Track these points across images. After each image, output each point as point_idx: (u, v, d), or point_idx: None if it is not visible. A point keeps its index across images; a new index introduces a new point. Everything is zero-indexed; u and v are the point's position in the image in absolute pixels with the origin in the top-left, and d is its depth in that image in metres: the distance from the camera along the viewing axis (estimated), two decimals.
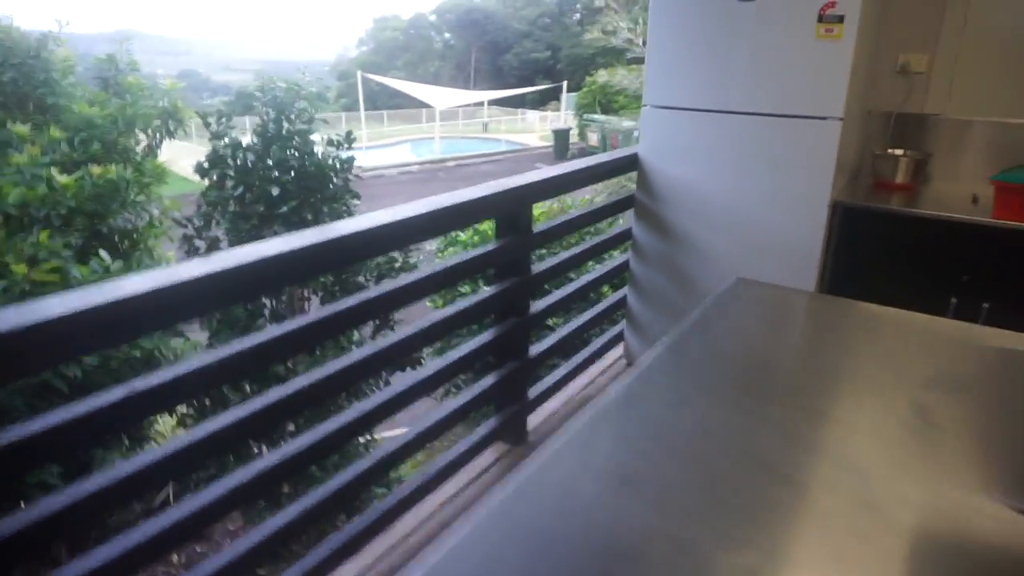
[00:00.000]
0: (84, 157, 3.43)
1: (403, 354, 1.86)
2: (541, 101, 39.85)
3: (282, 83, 4.12)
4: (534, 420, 2.78)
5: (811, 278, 2.76)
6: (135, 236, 3.80)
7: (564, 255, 2.72)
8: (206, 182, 3.74)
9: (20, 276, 2.39)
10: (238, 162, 3.67)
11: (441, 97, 27.93)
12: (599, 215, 2.92)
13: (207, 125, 3.85)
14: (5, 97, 3.44)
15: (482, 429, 2.44)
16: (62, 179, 2.96)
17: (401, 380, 1.96)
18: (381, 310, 1.78)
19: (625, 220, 3.24)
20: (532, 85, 40.37)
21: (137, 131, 3.92)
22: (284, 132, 3.72)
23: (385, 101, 41.89)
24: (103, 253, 2.98)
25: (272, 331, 1.46)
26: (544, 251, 4.40)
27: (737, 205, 2.86)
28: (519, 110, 35.64)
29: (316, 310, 1.59)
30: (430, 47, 57.43)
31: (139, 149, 3.99)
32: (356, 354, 1.69)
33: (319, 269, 2.44)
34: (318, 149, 3.91)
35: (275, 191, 3.53)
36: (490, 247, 2.24)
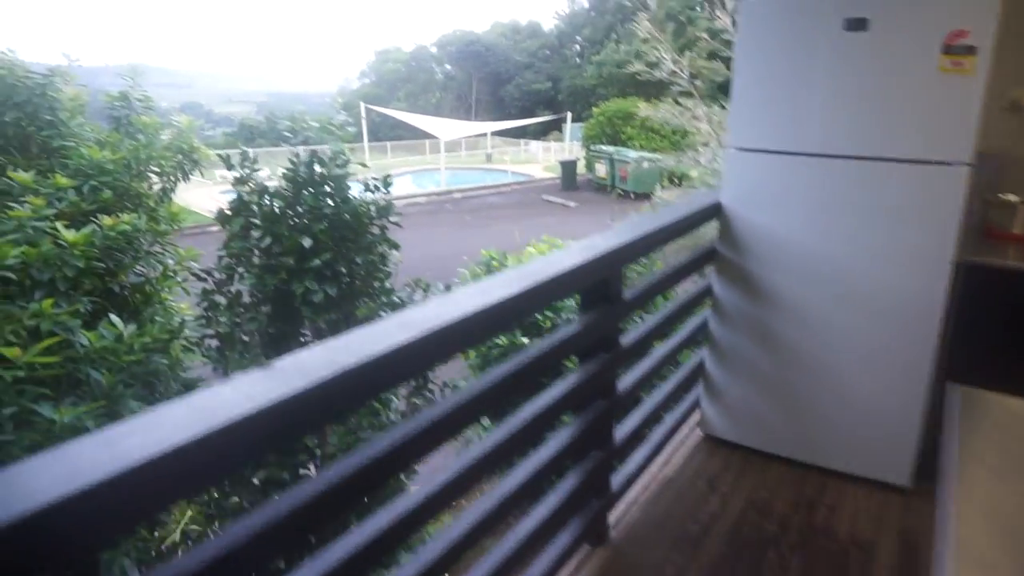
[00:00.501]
0: (94, 206, 3.07)
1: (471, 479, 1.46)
2: (543, 132, 39.89)
3: (315, 121, 3.79)
4: (614, 513, 2.39)
5: (928, 347, 2.40)
6: (148, 289, 3.44)
7: (652, 321, 2.36)
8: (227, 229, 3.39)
9: (14, 360, 2.03)
10: (264, 209, 3.31)
11: (444, 128, 27.84)
12: (685, 272, 2.56)
13: (230, 168, 3.50)
14: (7, 140, 3.10)
15: (564, 538, 2.03)
16: (69, 235, 2.59)
17: (477, 502, 1.56)
18: (448, 428, 1.37)
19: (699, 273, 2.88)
20: (533, 116, 40.48)
21: (151, 174, 3.58)
22: (316, 176, 3.36)
23: (387, 132, 41.90)
24: (114, 318, 2.62)
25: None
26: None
27: (839, 261, 2.50)
28: (522, 141, 35.61)
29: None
30: (431, 79, 57.77)
31: (153, 192, 3.64)
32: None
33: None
34: (353, 194, 3.54)
35: (307, 242, 3.16)
36: (576, 327, 1.87)
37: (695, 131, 5.72)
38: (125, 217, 3.08)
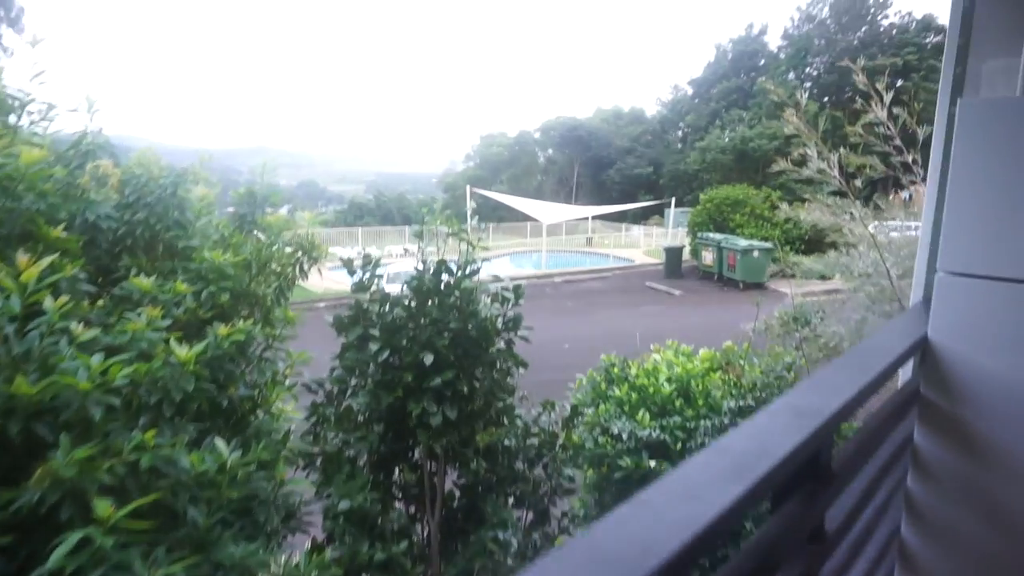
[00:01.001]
0: (210, 313, 2.87)
1: None
2: (644, 216, 39.61)
3: (444, 227, 3.53)
4: None
5: None
6: (256, 398, 3.19)
7: (855, 491, 1.83)
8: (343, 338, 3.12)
9: (104, 520, 1.74)
10: (385, 319, 3.03)
11: (546, 211, 28.00)
12: (890, 424, 2.03)
13: (351, 272, 3.29)
14: (134, 240, 2.98)
15: None
16: (182, 352, 2.35)
17: None
18: None
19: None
20: (634, 200, 40.35)
21: (270, 273, 3.40)
22: (443, 286, 3.07)
23: (489, 213, 42.81)
24: (219, 442, 2.35)
25: None
26: None
27: None
28: (623, 225, 35.36)
29: None
30: (534, 162, 59.22)
31: (269, 292, 3.45)
32: None
33: None
34: (482, 305, 3.21)
35: (428, 359, 2.83)
36: (771, 525, 1.37)
37: (845, 232, 5.18)
38: (241, 325, 2.85)
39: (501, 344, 3.21)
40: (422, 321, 3.04)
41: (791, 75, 46.22)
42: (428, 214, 3.80)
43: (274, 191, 3.82)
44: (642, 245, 31.72)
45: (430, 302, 3.08)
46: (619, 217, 34.28)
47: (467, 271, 3.19)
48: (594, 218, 34.68)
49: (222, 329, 2.75)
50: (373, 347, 2.99)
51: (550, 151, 59.04)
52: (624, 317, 17.07)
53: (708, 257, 21.20)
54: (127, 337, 2.38)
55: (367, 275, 3.26)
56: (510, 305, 3.22)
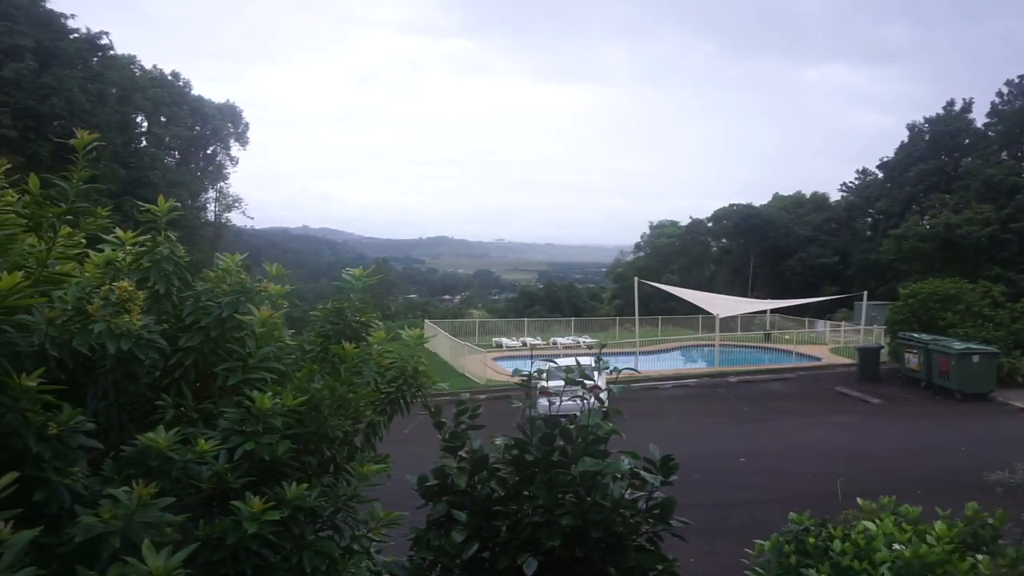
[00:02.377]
0: (247, 477, 2.16)
1: None
2: (830, 310, 35.95)
3: (558, 361, 2.64)
4: None
5: None
6: None
7: None
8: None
9: None
10: (477, 493, 2.16)
11: (719, 303, 26.16)
12: None
13: (439, 426, 2.49)
14: (183, 373, 2.41)
15: None
16: (158, 563, 1.62)
17: None
18: None
19: None
20: (818, 292, 36.90)
21: (354, 415, 2.68)
22: (556, 458, 2.13)
23: (659, 304, 41.30)
24: None
25: None
26: None
27: None
28: (805, 319, 32.24)
29: None
30: (706, 252, 56.98)
31: (350, 436, 2.73)
32: None
33: None
34: (614, 487, 2.19)
35: (530, 568, 1.89)
36: None
37: None
38: (292, 490, 2.14)
39: (642, 539, 2.17)
40: (525, 506, 2.14)
41: (1004, 154, 40.93)
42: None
43: (365, 311, 3.18)
44: (829, 342, 28.57)
45: (539, 477, 2.16)
46: (801, 311, 31.30)
47: (599, 436, 2.22)
48: (773, 312, 32.05)
49: (254, 503, 2.02)
50: (457, 536, 2.12)
51: (724, 240, 56.61)
52: (810, 427, 14.82)
53: (913, 360, 18.25)
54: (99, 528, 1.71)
55: (461, 429, 2.41)
56: (656, 485, 2.19)
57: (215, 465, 2.10)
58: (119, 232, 2.72)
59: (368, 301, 3.29)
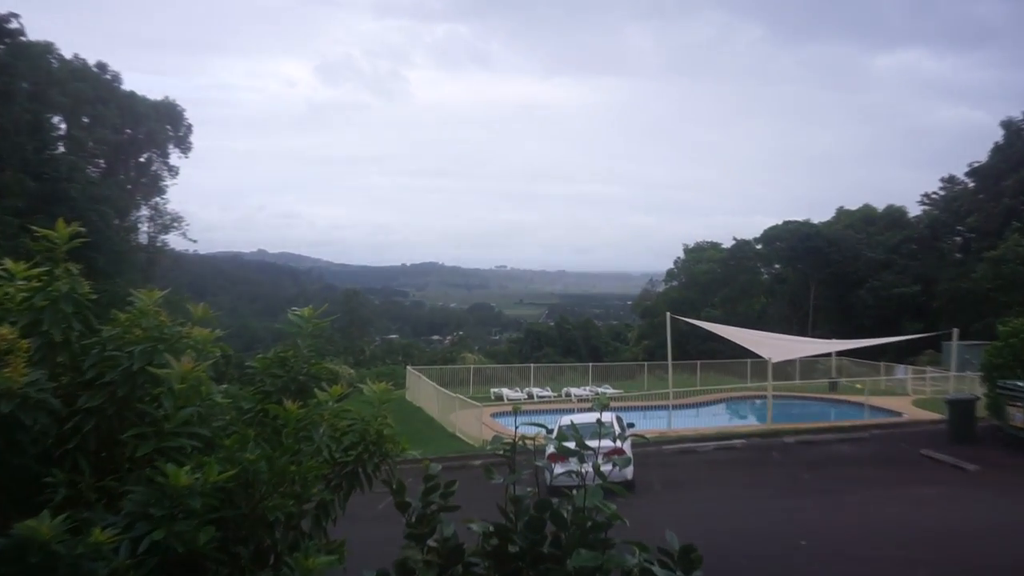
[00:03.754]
0: None
1: None
2: (912, 352, 35.83)
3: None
4: None
5: None
6: None
7: None
8: None
9: None
10: None
11: (771, 344, 26.09)
12: None
13: (403, 507, 2.42)
14: (82, 442, 2.39)
15: None
16: None
17: None
18: None
19: None
20: (896, 330, 36.87)
21: (300, 492, 2.64)
22: (546, 549, 2.06)
23: (696, 345, 41.28)
24: None
25: None
26: None
27: None
28: (880, 364, 32.09)
29: None
30: (755, 281, 57.19)
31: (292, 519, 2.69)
32: None
33: None
34: None
35: None
36: None
37: None
38: None
39: None
40: None
41: None
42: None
43: (323, 367, 3.19)
44: (911, 392, 28.41)
45: (523, 574, 2.11)
46: (875, 353, 31.16)
47: (590, 522, 2.16)
48: (839, 354, 31.95)
49: None
50: None
51: (777, 266, 56.80)
52: (888, 501, 14.63)
53: (1018, 416, 18.12)
54: None
55: (429, 511, 2.34)
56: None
57: (113, 561, 2.06)
58: (8, 263, 2.71)
59: (325, 346, 3.29)
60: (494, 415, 22.87)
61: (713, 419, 25.19)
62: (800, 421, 22.80)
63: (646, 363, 35.86)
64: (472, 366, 35.89)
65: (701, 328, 29.41)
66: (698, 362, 33.64)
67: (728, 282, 56.27)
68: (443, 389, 25.97)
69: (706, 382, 31.29)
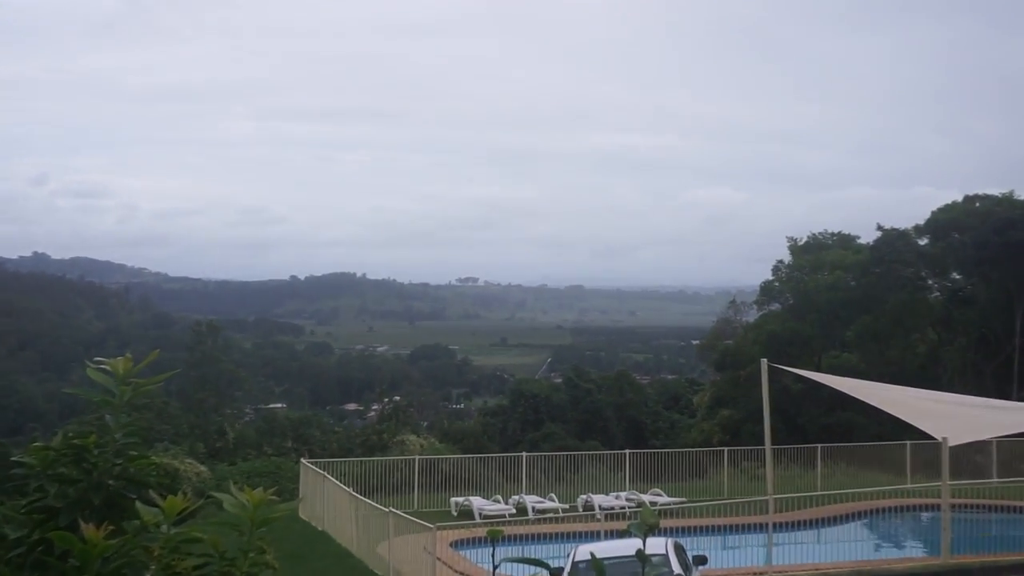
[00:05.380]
0: None
1: None
2: None
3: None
4: None
5: None
6: None
7: None
8: None
9: None
10: None
11: (948, 416, 26.04)
12: None
13: None
14: None
15: None
16: None
17: None
18: None
19: None
20: None
21: None
22: None
23: (816, 417, 41.46)
24: None
25: None
26: None
27: None
28: None
29: None
30: (917, 302, 57.55)
31: None
32: None
33: None
34: None
35: None
36: None
37: None
38: None
39: None
40: None
41: None
42: None
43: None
44: None
45: None
46: None
47: None
48: None
49: None
50: None
51: (956, 275, 57.00)
52: None
53: None
54: None
55: None
56: None
57: None
58: None
59: (155, 426, 3.23)
60: (456, 544, 22.90)
61: (848, 548, 25.40)
62: (1004, 551, 23.23)
63: (726, 449, 36.08)
64: (418, 456, 35.89)
65: (822, 386, 29.55)
66: (818, 446, 33.96)
67: (869, 304, 56.71)
68: (366, 499, 25.89)
69: (832, 482, 31.53)
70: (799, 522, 26.14)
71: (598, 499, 29.73)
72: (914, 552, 24.76)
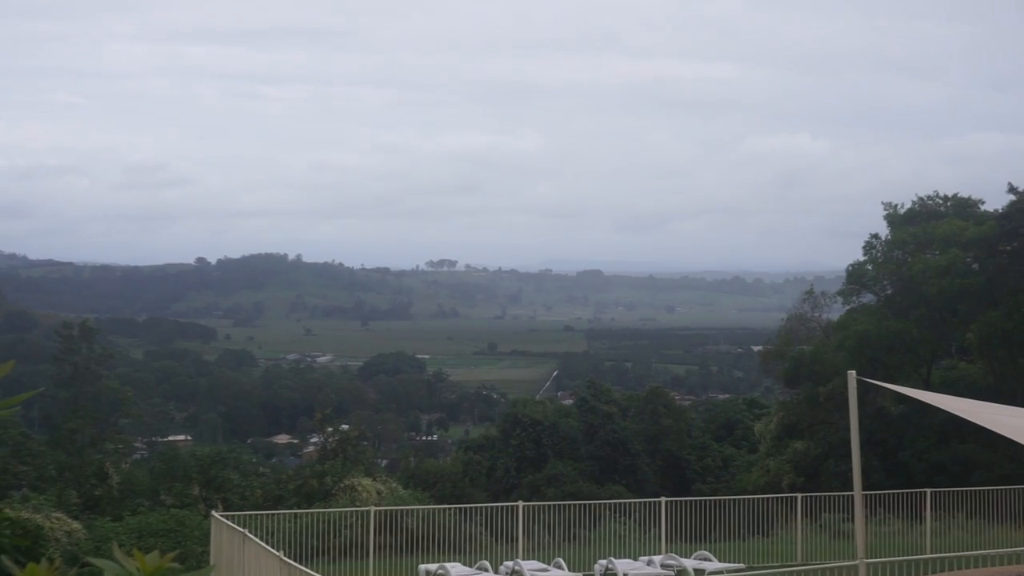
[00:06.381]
0: None
1: None
2: None
3: None
4: None
5: None
6: None
7: None
8: None
9: None
10: None
11: None
12: None
13: None
14: None
15: None
16: None
17: None
18: None
19: None
20: None
21: None
22: None
23: (925, 452, 41.68)
24: None
25: None
26: None
27: None
28: None
29: None
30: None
31: None
32: None
33: None
34: None
35: None
36: None
37: None
38: None
39: None
40: None
41: None
42: None
43: None
44: None
45: None
46: None
47: None
48: None
49: None
50: None
51: None
52: None
53: None
54: None
55: None
56: None
57: None
58: None
59: (9, 466, 3.44)
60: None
61: None
62: None
63: (799, 496, 36.16)
64: (374, 508, 35.92)
65: (933, 408, 29.83)
66: (927, 491, 34.01)
67: (998, 295, 56.78)
68: (302, 567, 26.08)
69: (945, 541, 31.65)
70: None
71: (623, 565, 29.76)
72: None
